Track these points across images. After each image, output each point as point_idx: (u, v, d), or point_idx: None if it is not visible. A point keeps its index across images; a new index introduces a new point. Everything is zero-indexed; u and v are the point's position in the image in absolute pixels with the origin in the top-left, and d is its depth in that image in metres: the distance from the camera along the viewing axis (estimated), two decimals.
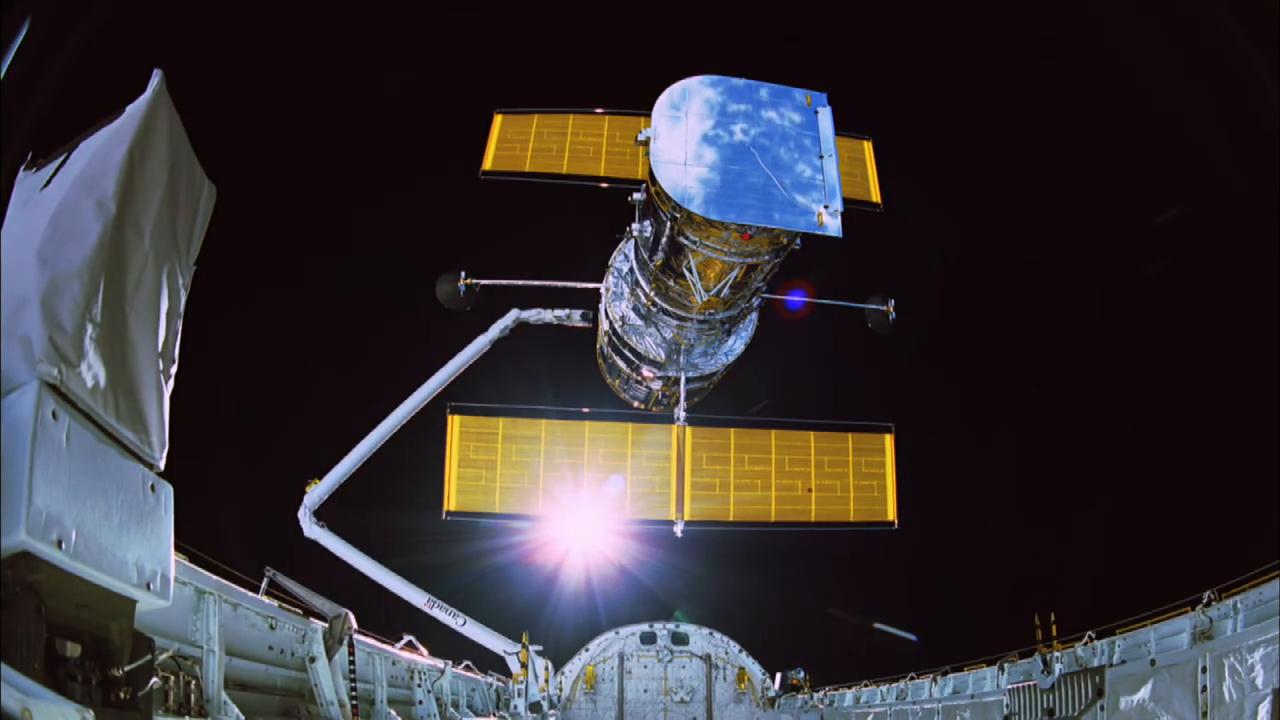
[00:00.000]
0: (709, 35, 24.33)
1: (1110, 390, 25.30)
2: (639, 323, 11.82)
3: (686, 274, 9.74)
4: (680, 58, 22.34)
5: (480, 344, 12.63)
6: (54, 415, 2.31)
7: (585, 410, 12.39)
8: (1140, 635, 7.38)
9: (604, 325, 12.57)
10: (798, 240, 9.06)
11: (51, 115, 11.98)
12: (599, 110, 13.08)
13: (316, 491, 11.63)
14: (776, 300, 12.55)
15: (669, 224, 9.02)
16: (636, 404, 13.87)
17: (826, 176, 8.72)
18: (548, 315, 12.76)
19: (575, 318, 12.75)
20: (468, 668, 11.71)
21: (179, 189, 3.13)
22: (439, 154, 25.14)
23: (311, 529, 11.49)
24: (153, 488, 2.79)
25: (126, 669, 2.58)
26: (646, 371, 12.30)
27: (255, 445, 22.40)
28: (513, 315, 12.73)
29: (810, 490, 12.09)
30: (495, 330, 12.67)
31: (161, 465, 2.94)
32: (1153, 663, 6.72)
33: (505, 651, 12.10)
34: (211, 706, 4.78)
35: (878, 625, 22.60)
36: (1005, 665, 9.43)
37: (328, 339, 25.04)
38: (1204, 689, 6.00)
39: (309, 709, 6.51)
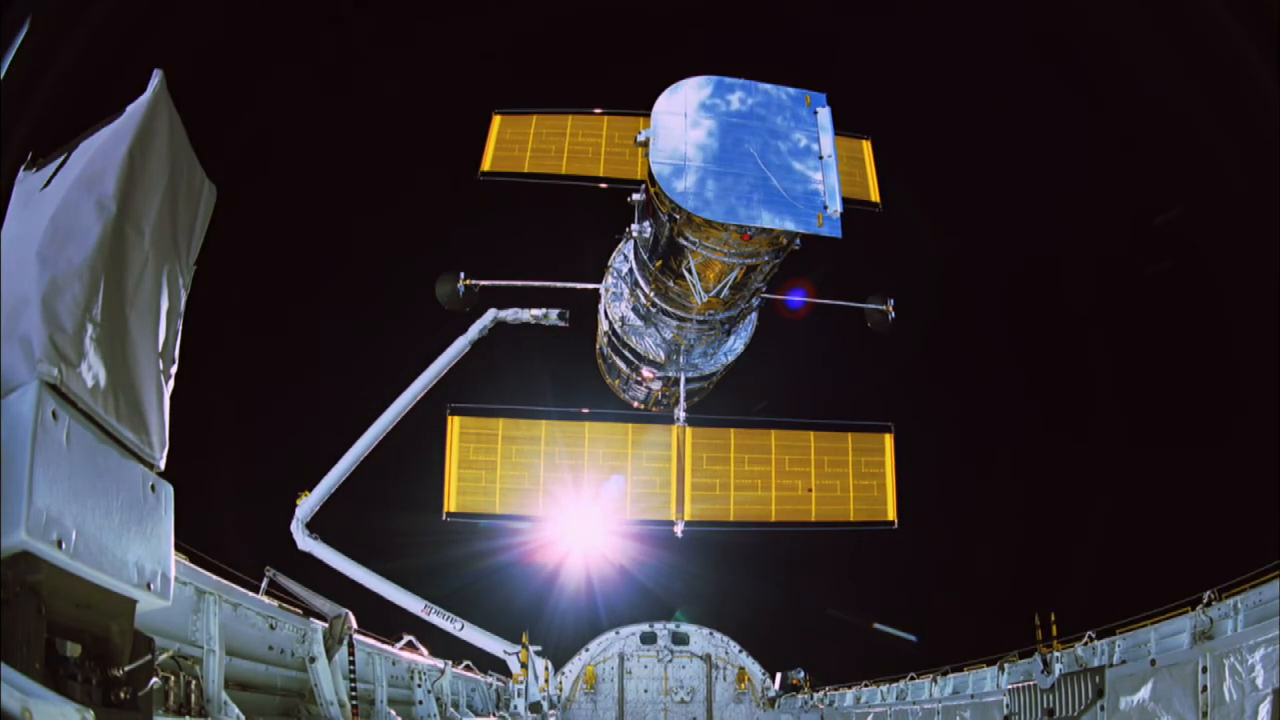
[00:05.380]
0: (709, 36, 24.36)
1: (1110, 390, 25.33)
2: (639, 323, 11.83)
3: (686, 275, 9.76)
4: (680, 59, 22.38)
5: (460, 345, 12.42)
6: (54, 415, 2.31)
7: (585, 410, 12.39)
8: (1140, 635, 7.38)
9: (603, 325, 12.58)
10: (797, 240, 9.09)
11: (51, 115, 12.00)
12: (598, 110, 13.09)
13: (308, 503, 11.45)
14: (776, 300, 12.56)
15: (668, 225, 9.04)
16: (636, 404, 13.88)
17: (826, 176, 8.75)
18: (525, 315, 12.55)
19: (552, 316, 12.58)
20: (468, 668, 11.70)
21: (179, 189, 3.13)
22: (438, 155, 25.17)
23: (305, 541, 11.31)
24: (153, 488, 2.79)
25: (126, 669, 2.57)
26: (646, 372, 12.30)
27: (255, 445, 22.43)
28: (490, 315, 12.56)
29: (810, 490, 12.09)
30: (474, 331, 12.47)
31: (161, 465, 2.94)
32: (1153, 663, 6.72)
33: (505, 652, 12.08)
34: (212, 706, 4.78)
35: (878, 625, 22.60)
36: (1005, 665, 9.43)
37: (328, 339, 25.04)
38: (1204, 689, 6.00)
39: (309, 709, 6.51)
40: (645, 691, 19.15)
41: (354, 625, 7.11)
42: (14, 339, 2.36)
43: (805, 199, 8.58)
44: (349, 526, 12.26)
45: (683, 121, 8.98)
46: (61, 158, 2.94)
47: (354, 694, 6.95)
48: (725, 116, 9.06)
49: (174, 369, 3.11)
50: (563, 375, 18.49)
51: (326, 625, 6.90)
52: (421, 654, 9.63)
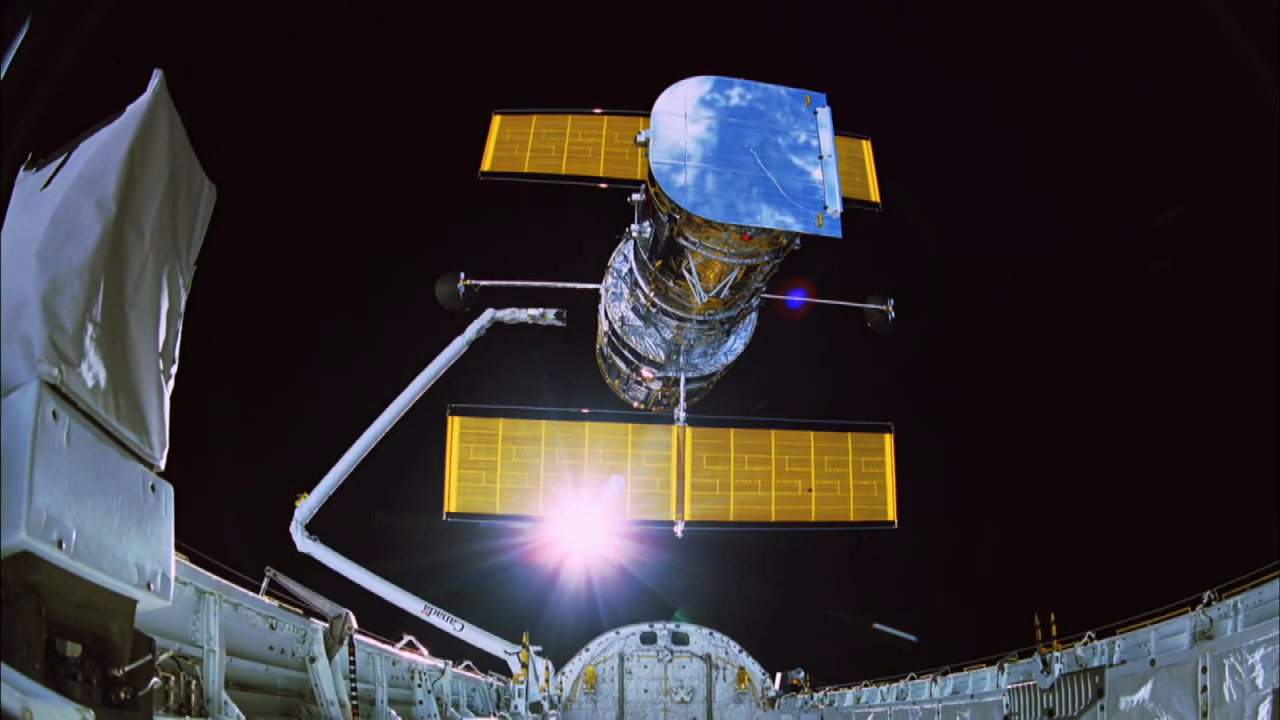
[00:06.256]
0: (709, 36, 24.37)
1: (1110, 389, 25.33)
2: (639, 323, 11.83)
3: (686, 275, 9.75)
4: (680, 58, 22.39)
5: (458, 345, 12.45)
6: (54, 415, 2.31)
7: (585, 410, 12.39)
8: (1140, 635, 7.37)
9: (603, 326, 12.57)
10: (797, 240, 9.08)
11: (51, 115, 12.00)
12: (597, 110, 13.10)
13: (306, 505, 11.50)
14: (776, 300, 12.56)
15: (668, 225, 9.04)
16: (636, 404, 13.88)
17: (826, 174, 8.75)
18: (522, 315, 12.58)
19: (549, 316, 12.59)
20: (468, 668, 11.70)
21: (179, 189, 3.13)
22: (438, 155, 25.16)
23: (304, 543, 11.35)
24: (153, 488, 2.79)
25: (127, 669, 2.57)
26: (646, 372, 12.30)
27: (255, 445, 22.40)
28: (488, 315, 12.59)
29: (810, 490, 12.09)
30: (471, 331, 12.51)
31: (161, 465, 2.94)
32: (1153, 663, 6.72)
33: (505, 652, 12.09)
34: (212, 706, 4.78)
35: (878, 625, 22.60)
36: (1005, 665, 9.42)
37: (328, 339, 25.03)
38: (1204, 689, 6.00)
39: (309, 709, 6.51)
40: (645, 691, 19.14)
41: (354, 625, 7.11)
42: (14, 339, 2.36)
43: (804, 195, 8.58)
44: (349, 527, 12.26)
45: (682, 120, 8.98)
46: (61, 158, 2.93)
47: (354, 694, 6.95)
48: (725, 112, 9.07)
49: (174, 369, 3.11)
50: (563, 375, 18.52)
51: (327, 625, 6.90)
52: (421, 654, 9.63)
